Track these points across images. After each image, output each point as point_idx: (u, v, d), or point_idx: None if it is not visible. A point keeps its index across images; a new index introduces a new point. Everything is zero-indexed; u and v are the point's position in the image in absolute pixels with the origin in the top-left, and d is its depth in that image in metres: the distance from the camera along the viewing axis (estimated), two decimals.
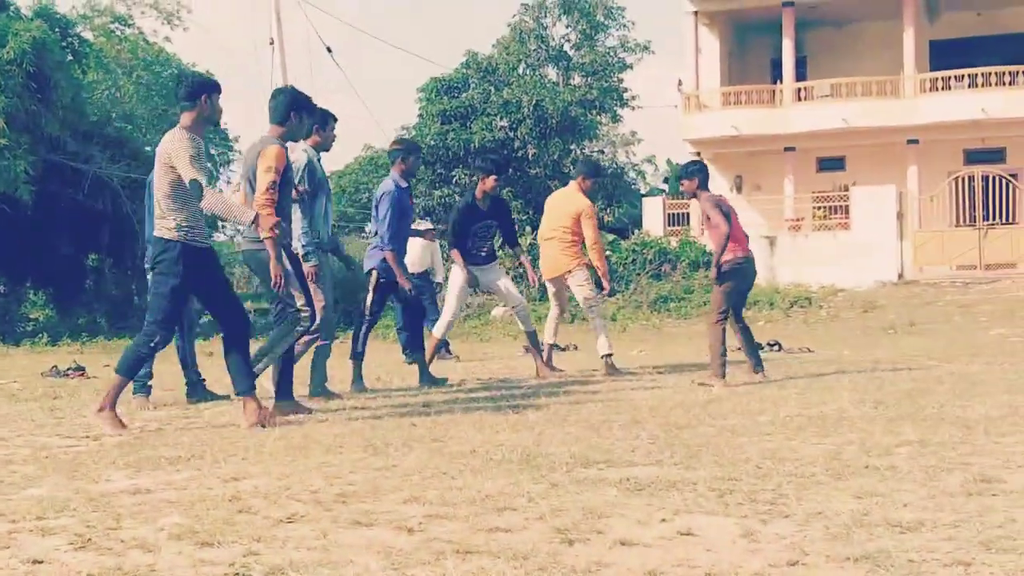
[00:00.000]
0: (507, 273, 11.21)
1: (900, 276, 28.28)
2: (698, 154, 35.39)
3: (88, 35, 32.66)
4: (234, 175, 54.32)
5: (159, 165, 6.52)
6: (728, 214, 8.82)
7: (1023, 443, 5.10)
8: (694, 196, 9.16)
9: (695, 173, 9.08)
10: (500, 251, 14.69)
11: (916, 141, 32.40)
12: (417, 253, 13.04)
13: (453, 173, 35.55)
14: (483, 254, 9.99)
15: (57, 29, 24.71)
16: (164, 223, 6.52)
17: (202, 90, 6.66)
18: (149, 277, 7.07)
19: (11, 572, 3.07)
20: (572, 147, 38.05)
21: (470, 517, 3.67)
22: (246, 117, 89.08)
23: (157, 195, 6.57)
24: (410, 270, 10.75)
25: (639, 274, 27.66)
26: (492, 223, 9.97)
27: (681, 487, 4.12)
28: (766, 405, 7.00)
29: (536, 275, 10.53)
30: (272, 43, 23.82)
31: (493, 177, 9.82)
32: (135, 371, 6.77)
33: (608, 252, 26.54)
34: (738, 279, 8.93)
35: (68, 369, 12.11)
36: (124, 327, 23.48)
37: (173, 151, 6.42)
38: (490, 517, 3.67)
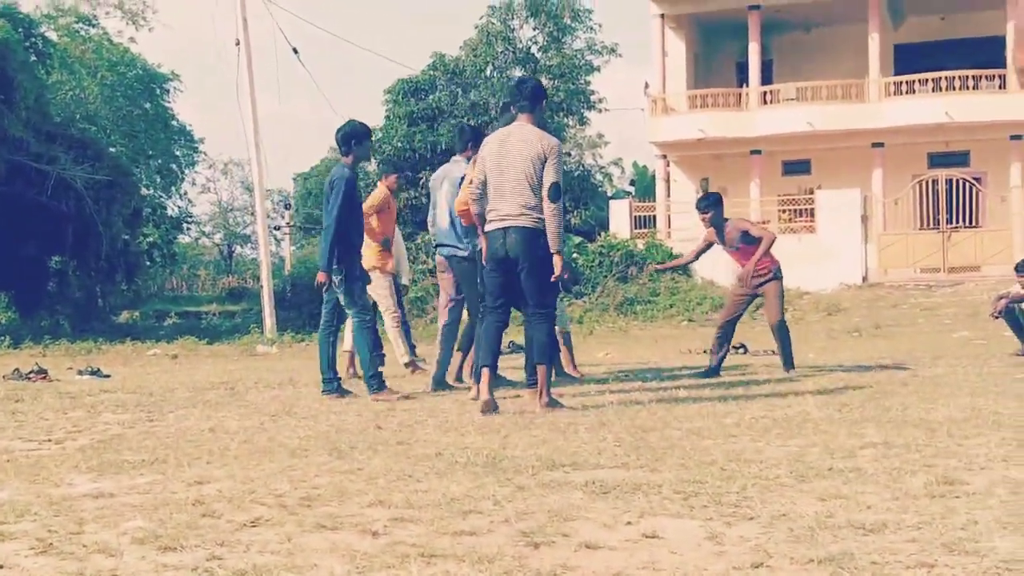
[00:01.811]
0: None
1: (865, 279, 28.49)
2: (664, 156, 35.56)
3: (52, 35, 32.48)
4: (199, 176, 54.17)
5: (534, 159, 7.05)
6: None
7: (986, 445, 5.13)
8: (713, 224, 9.98)
9: (713, 205, 9.93)
10: None
11: (881, 144, 32.66)
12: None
13: (420, 175, 35.51)
14: None
15: (20, 29, 24.56)
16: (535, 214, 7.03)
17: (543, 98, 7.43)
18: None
19: None
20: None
21: (435, 520, 3.66)
22: (211, 118, 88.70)
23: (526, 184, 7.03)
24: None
25: (606, 276, 27.74)
26: None
27: (647, 489, 4.13)
28: (732, 407, 7.03)
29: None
30: (238, 44, 23.70)
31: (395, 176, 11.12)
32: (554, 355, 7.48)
33: (575, 255, 26.60)
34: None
35: (30, 372, 12.01)
36: (87, 329, 23.33)
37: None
38: (455, 520, 3.66)
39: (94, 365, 13.44)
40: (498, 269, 7.19)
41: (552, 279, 7.06)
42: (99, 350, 19.47)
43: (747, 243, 9.88)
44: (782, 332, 9.96)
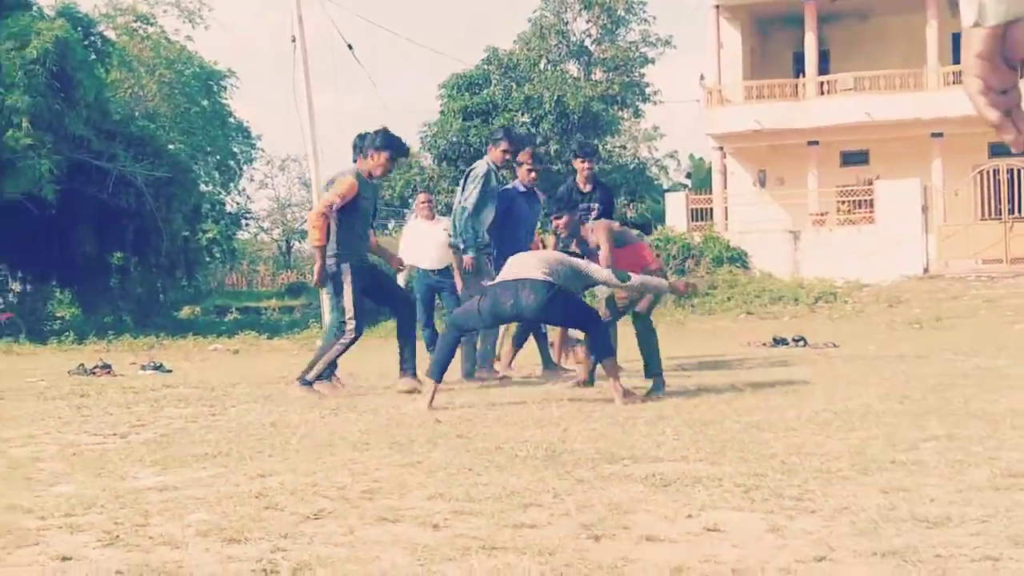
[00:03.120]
0: None
1: (925, 270, 28.16)
2: (721, 148, 35.36)
3: (110, 34, 32.80)
4: (257, 172, 54.60)
5: None
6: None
7: None
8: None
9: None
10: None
11: (940, 134, 32.23)
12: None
13: (471, 170, 35.50)
14: None
15: (79, 28, 24.83)
16: None
17: None
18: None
19: (40, 568, 3.09)
20: (594, 142, 38.03)
21: (495, 513, 3.67)
22: (268, 115, 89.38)
23: None
24: (431, 266, 10.81)
25: (663, 270, 27.65)
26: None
27: (707, 483, 4.11)
28: (792, 400, 6.99)
29: None
30: (294, 40, 23.81)
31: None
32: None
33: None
34: None
35: (94, 367, 12.18)
36: (149, 325, 23.61)
37: None
38: (515, 513, 3.67)
39: (157, 360, 13.60)
40: None
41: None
42: (161, 345, 19.71)
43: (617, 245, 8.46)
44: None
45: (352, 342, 8.54)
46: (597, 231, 8.09)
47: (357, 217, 8.57)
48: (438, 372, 7.27)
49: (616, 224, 8.47)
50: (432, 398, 7.14)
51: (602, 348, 7.26)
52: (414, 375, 8.67)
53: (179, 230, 26.01)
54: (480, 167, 9.59)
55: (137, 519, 3.71)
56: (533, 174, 9.93)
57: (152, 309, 26.26)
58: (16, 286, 27.31)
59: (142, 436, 6.19)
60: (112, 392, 9.33)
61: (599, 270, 7.44)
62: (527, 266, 7.21)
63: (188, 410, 7.71)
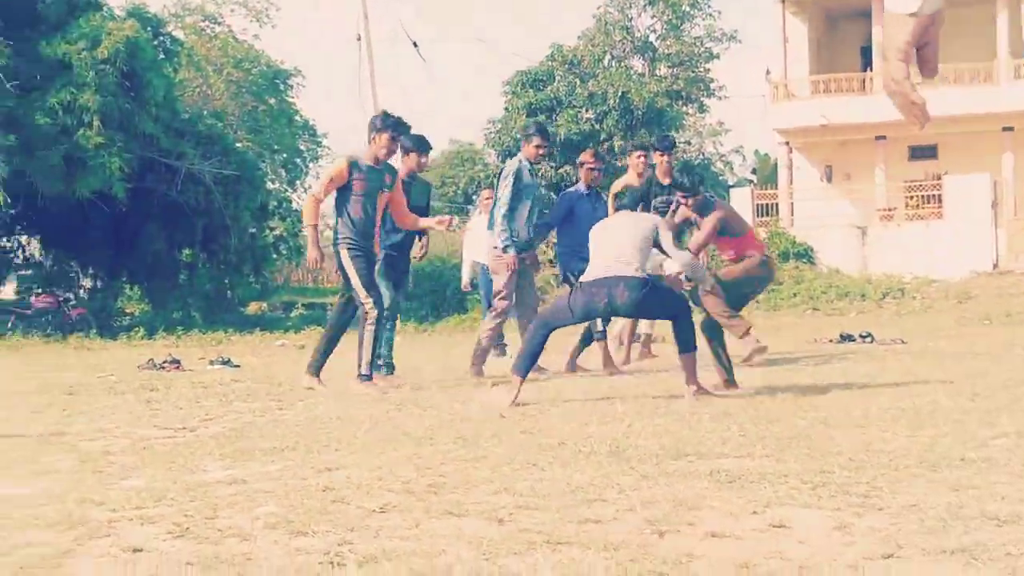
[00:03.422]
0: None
1: (995, 266, 27.75)
2: (786, 143, 35.07)
3: (179, 34, 33.25)
4: (323, 170, 55.03)
5: None
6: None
7: None
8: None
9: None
10: None
11: (1011, 128, 31.75)
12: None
13: (538, 166, 35.58)
14: None
15: (149, 28, 25.15)
16: None
17: None
18: None
19: (112, 560, 3.14)
20: (672, 135, 37.88)
21: (560, 508, 3.68)
22: (334, 113, 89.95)
23: None
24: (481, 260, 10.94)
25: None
26: None
27: (773, 479, 4.09)
28: (859, 397, 6.92)
29: None
30: (359, 39, 24.02)
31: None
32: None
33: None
34: None
35: (164, 362, 12.34)
36: (217, 320, 23.86)
37: None
38: (580, 508, 3.68)
39: (225, 355, 13.75)
40: None
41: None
42: (229, 340, 19.90)
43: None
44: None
45: (379, 321, 8.56)
46: (711, 218, 8.04)
47: (356, 201, 8.60)
48: (524, 368, 7.22)
49: (733, 212, 8.41)
50: (517, 395, 7.10)
51: (687, 340, 7.19)
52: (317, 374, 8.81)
53: (246, 227, 26.26)
54: (511, 165, 9.67)
55: (206, 512, 3.76)
56: (596, 173, 9.98)
57: (220, 305, 26.51)
58: (87, 282, 27.70)
59: (211, 430, 6.27)
60: (181, 387, 9.44)
61: (681, 254, 7.44)
62: (621, 253, 7.13)
63: (256, 404, 7.79)
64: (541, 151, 9.62)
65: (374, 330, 8.51)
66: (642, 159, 10.53)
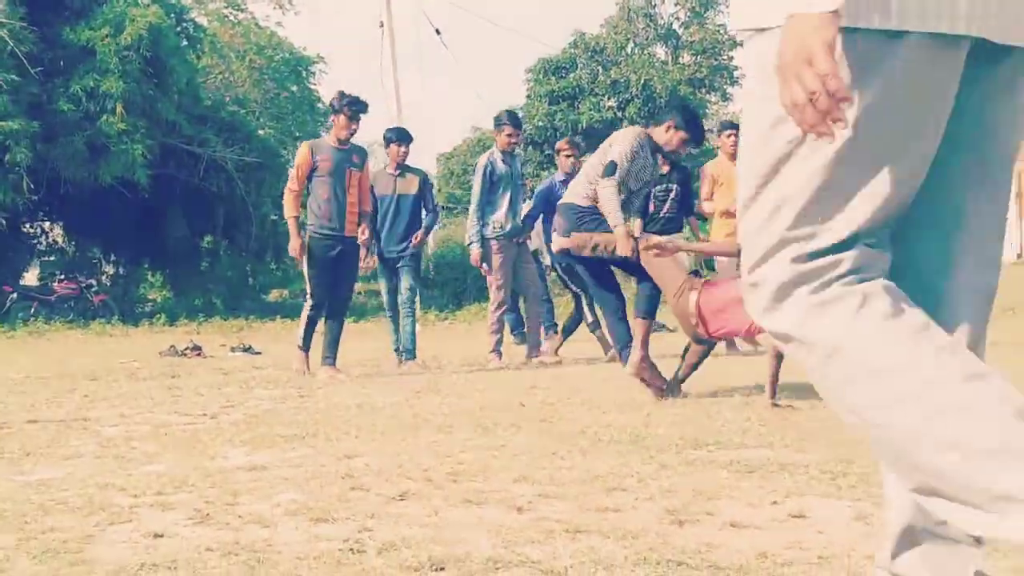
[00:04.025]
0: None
1: (1019, 255, 27.58)
2: None
3: (202, 20, 33.26)
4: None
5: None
6: None
7: None
8: None
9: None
10: None
11: None
12: None
13: (517, 152, 35.46)
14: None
15: (172, 15, 25.21)
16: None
17: None
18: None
19: (133, 545, 3.16)
20: None
21: (579, 497, 3.68)
22: None
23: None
24: None
25: None
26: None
27: (792, 469, 4.08)
28: None
29: None
30: (382, 26, 24.02)
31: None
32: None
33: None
34: None
35: (185, 348, 12.39)
36: (238, 307, 23.94)
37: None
38: (599, 497, 3.68)
39: (246, 342, 13.81)
40: None
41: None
42: (250, 328, 19.98)
43: None
44: None
45: (314, 312, 9.04)
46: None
47: (323, 183, 8.96)
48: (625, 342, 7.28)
49: None
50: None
51: (648, 307, 7.02)
52: (333, 364, 8.93)
53: (268, 214, 26.31)
54: (481, 160, 10.14)
55: (227, 498, 3.78)
56: (572, 159, 10.35)
57: (242, 292, 26.60)
58: (109, 269, 27.85)
59: (232, 417, 6.29)
60: (203, 373, 9.49)
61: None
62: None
63: (277, 391, 7.82)
64: (513, 139, 10.04)
65: (307, 322, 9.10)
66: (732, 138, 10.50)
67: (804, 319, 1.88)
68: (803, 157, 1.83)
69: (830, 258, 1.85)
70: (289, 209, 8.93)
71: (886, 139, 1.81)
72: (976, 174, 1.98)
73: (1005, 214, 2.05)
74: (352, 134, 9.02)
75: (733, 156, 10.17)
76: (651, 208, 9.90)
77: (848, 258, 1.85)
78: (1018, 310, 19.23)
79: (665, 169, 9.96)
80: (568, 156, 10.52)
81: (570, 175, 10.19)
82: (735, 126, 10.23)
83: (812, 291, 1.86)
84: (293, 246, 8.93)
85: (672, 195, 9.89)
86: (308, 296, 9.11)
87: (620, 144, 7.03)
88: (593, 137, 33.73)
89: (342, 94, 8.97)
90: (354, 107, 8.93)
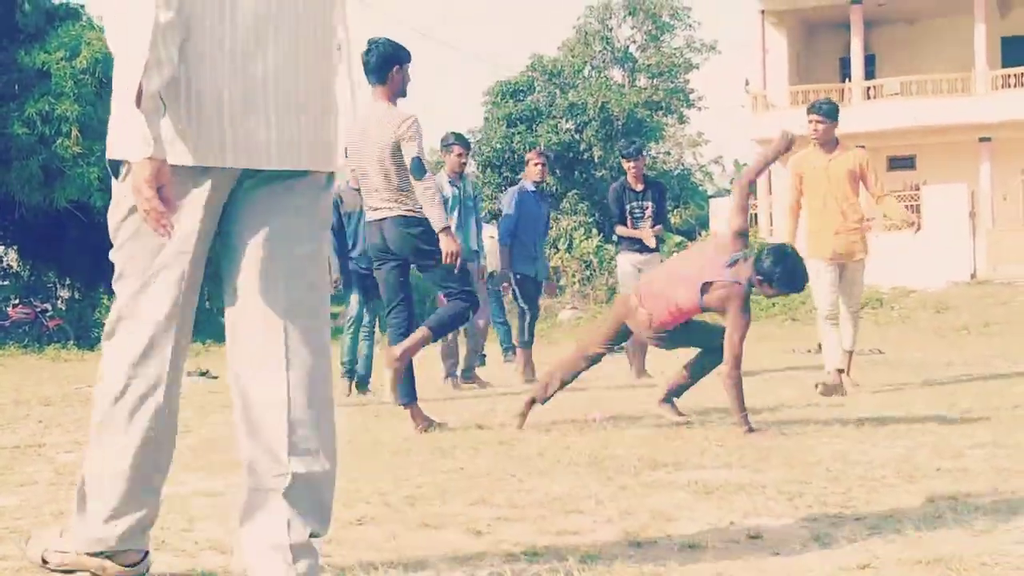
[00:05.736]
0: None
1: (973, 276, 27.86)
2: None
3: None
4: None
5: (383, 146, 6.30)
6: None
7: None
8: None
9: None
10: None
11: (988, 139, 31.94)
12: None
13: (519, 176, 35.62)
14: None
15: None
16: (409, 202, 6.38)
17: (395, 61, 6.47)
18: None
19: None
20: (639, 139, 37.98)
21: (538, 519, 3.68)
22: None
23: (390, 175, 6.35)
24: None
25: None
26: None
27: (750, 490, 4.10)
28: (837, 408, 6.94)
29: None
30: (339, 48, 24.00)
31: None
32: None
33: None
34: None
35: None
36: (195, 331, 23.71)
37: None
38: (558, 519, 3.68)
39: (203, 367, 13.70)
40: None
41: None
42: (207, 351, 19.83)
43: None
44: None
45: None
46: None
47: None
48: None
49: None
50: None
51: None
52: None
53: None
54: None
55: (183, 524, 3.75)
56: (541, 168, 10.42)
57: (199, 316, 26.35)
58: (65, 293, 27.57)
59: (187, 441, 6.24)
60: None
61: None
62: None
63: (232, 416, 7.75)
64: (463, 159, 9.82)
65: None
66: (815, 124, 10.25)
67: None
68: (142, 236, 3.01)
69: None
70: None
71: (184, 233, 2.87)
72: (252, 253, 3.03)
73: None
74: None
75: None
76: (628, 224, 9.94)
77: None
78: (972, 330, 19.45)
79: (639, 188, 10.02)
80: (536, 165, 10.53)
81: (538, 183, 10.55)
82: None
83: None
84: None
85: (648, 211, 9.96)
86: None
87: None
88: (551, 160, 33.88)
89: None
90: None
